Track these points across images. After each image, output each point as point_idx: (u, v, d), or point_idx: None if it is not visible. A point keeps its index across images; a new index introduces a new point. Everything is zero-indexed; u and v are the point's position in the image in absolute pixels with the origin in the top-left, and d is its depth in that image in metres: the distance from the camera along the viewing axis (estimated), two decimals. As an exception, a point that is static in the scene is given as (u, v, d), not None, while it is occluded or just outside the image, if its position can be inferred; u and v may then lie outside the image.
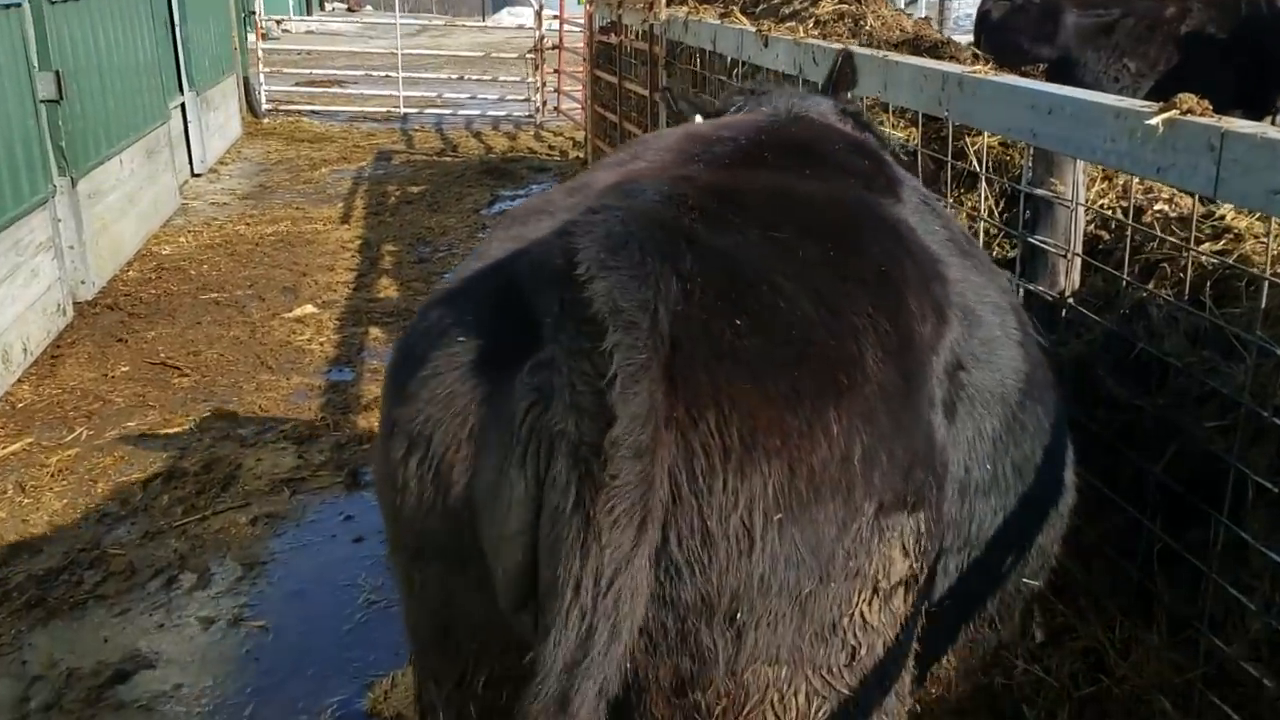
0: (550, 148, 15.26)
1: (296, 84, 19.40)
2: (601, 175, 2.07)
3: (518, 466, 1.37)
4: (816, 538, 1.42)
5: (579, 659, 1.25)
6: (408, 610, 1.71)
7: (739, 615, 1.40)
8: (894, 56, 4.38)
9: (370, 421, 5.92)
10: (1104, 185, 4.09)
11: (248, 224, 10.45)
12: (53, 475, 5.30)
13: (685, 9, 8.03)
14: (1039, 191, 3.39)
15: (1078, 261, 3.45)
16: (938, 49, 5.13)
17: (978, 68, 3.84)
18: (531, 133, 16.53)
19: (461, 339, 1.51)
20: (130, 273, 8.71)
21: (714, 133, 2.18)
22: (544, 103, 17.64)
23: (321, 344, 7.17)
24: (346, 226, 10.43)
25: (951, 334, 1.80)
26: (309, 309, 7.90)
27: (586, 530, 1.27)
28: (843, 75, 3.29)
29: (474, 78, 19.52)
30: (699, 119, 3.44)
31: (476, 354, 1.49)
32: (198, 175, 12.62)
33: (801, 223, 1.72)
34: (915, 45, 5.33)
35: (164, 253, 9.35)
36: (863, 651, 1.52)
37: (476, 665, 1.56)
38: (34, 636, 4.06)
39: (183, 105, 12.27)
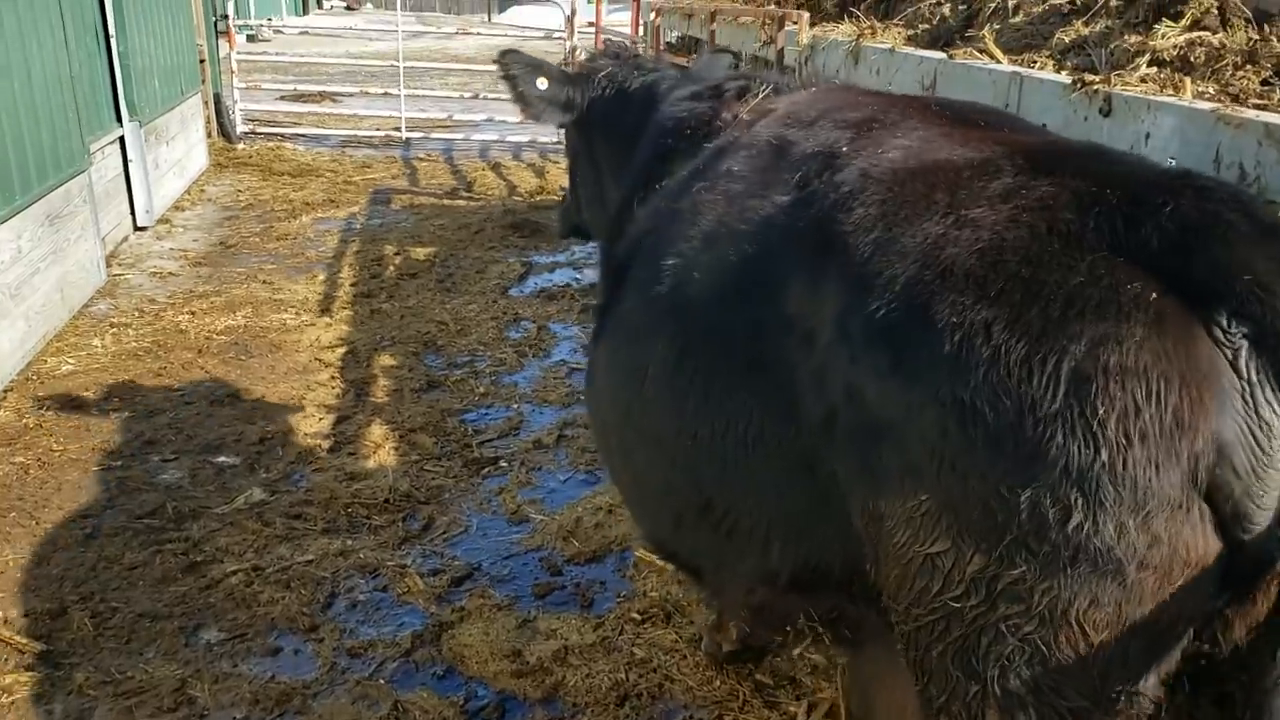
0: (587, 186, 12.38)
1: (281, 98, 16.58)
2: (915, 142, 2.15)
3: (1266, 405, 1.59)
4: None
5: None
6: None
7: None
8: None
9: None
10: None
11: (193, 312, 7.61)
12: None
13: (845, 29, 5.17)
14: None
15: None
16: None
17: None
18: (563, 166, 13.66)
19: (1134, 294, 1.62)
20: (-2, 414, 5.86)
21: (926, 106, 2.42)
22: (574, 125, 14.75)
23: (252, 610, 4.24)
24: (326, 319, 7.58)
25: None
26: (256, 493, 5.06)
27: None
28: None
29: (490, 96, 16.64)
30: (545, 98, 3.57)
31: (1159, 306, 1.62)
32: (142, 229, 9.78)
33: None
34: None
35: (60, 372, 6.49)
36: None
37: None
38: None
39: (120, 140, 9.44)
